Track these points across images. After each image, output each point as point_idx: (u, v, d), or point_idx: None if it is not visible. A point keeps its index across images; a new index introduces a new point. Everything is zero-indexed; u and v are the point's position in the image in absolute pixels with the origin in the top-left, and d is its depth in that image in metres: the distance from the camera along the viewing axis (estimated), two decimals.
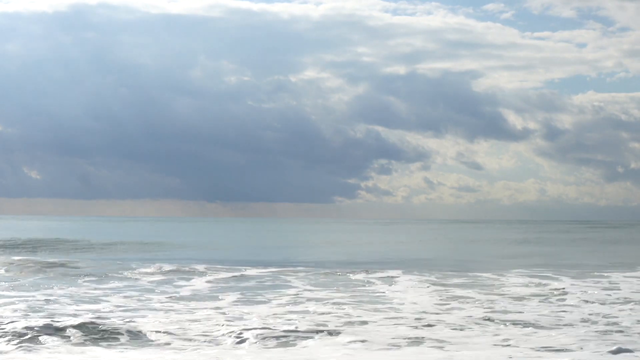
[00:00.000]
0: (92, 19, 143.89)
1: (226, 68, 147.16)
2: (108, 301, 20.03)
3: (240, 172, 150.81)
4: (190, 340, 14.23)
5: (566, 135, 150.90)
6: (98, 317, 16.36)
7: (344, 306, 19.08)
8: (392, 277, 27.60)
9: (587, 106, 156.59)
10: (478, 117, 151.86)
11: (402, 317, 17.25)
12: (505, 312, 18.29)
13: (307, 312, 18.00)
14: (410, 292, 22.90)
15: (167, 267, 30.67)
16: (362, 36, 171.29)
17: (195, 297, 21.29)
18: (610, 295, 22.14)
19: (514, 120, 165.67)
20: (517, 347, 13.87)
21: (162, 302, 19.86)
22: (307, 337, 14.46)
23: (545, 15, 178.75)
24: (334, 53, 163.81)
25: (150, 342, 14.08)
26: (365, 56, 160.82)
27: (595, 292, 22.84)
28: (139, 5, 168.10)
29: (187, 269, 30.14)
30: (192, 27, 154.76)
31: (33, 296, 20.82)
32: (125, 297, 20.96)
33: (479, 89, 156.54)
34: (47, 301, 19.68)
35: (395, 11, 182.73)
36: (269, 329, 15.10)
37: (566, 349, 13.70)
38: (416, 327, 15.84)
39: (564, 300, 20.90)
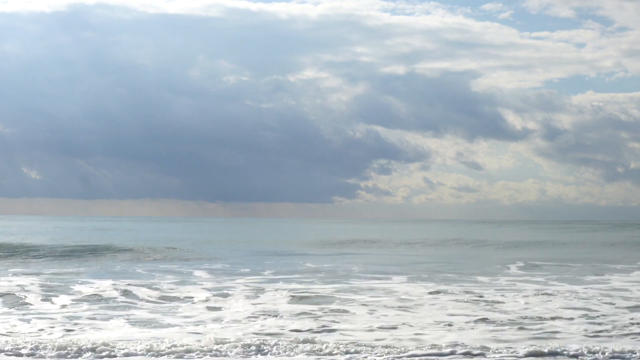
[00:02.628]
0: (90, 19, 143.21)
1: (224, 68, 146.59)
2: None
3: (240, 172, 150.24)
4: None
5: (565, 135, 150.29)
6: None
7: None
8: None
9: (586, 106, 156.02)
10: (477, 117, 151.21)
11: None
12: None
13: None
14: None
15: None
16: (361, 36, 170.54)
17: None
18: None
19: (513, 120, 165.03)
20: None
21: None
22: None
23: (544, 15, 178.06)
24: (332, 53, 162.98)
25: None
26: (363, 56, 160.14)
27: (595, 293, 22.66)
28: (137, 5, 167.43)
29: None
30: (190, 27, 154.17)
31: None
32: None
33: (478, 89, 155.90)
34: None
35: (394, 11, 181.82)
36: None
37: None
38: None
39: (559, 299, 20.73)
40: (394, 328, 15.93)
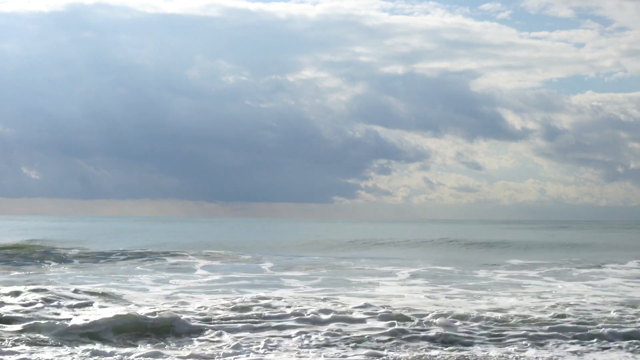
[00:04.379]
0: (89, 19, 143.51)
1: (223, 68, 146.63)
2: None
3: (240, 172, 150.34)
4: None
5: (565, 135, 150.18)
6: None
7: None
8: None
9: (585, 106, 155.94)
10: (477, 117, 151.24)
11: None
12: None
13: None
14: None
15: None
16: (360, 36, 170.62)
17: None
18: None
19: (513, 120, 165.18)
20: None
21: None
22: None
23: (543, 14, 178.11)
24: (331, 53, 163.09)
25: None
26: (363, 56, 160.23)
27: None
28: (136, 5, 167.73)
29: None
30: (189, 27, 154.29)
31: None
32: None
33: (477, 89, 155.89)
34: None
35: (393, 11, 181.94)
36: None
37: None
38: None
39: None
40: None
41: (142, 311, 16.00)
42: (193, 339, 14.44)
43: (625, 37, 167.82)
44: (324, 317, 16.04)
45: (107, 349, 13.38)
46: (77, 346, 13.61)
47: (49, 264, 34.39)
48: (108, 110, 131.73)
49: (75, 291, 19.28)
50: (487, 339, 14.63)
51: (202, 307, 17.24)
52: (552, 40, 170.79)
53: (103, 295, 19.26)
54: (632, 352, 13.73)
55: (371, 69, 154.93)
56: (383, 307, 17.48)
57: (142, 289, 23.07)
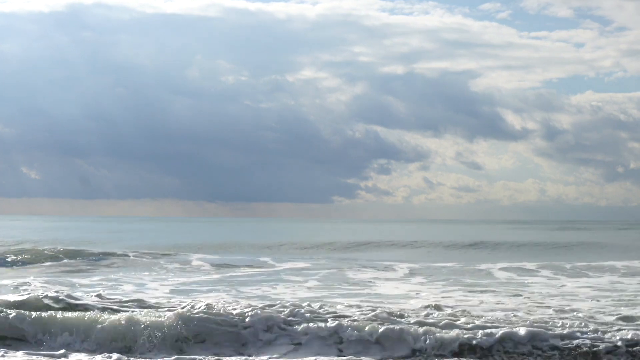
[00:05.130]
0: (88, 19, 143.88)
1: (223, 68, 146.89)
2: None
3: (240, 172, 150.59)
4: None
5: (565, 135, 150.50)
6: None
7: None
8: None
9: (585, 106, 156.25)
10: (477, 117, 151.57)
11: None
12: None
13: None
14: None
15: None
16: (359, 36, 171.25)
17: None
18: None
19: (513, 120, 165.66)
20: None
21: None
22: None
23: (542, 14, 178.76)
24: (330, 52, 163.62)
25: None
26: (362, 56, 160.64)
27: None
28: (135, 5, 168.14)
29: None
30: (189, 27, 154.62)
31: None
32: None
33: (477, 89, 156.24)
34: None
35: (392, 10, 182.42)
36: None
37: None
38: None
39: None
40: None
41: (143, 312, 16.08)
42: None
43: (625, 37, 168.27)
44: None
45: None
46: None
47: (49, 263, 34.46)
48: (108, 111, 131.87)
49: (75, 290, 19.33)
50: (477, 338, 14.68)
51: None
52: (551, 40, 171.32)
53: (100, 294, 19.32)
54: (628, 353, 13.79)
55: (371, 69, 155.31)
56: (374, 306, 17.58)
57: (140, 284, 23.24)
